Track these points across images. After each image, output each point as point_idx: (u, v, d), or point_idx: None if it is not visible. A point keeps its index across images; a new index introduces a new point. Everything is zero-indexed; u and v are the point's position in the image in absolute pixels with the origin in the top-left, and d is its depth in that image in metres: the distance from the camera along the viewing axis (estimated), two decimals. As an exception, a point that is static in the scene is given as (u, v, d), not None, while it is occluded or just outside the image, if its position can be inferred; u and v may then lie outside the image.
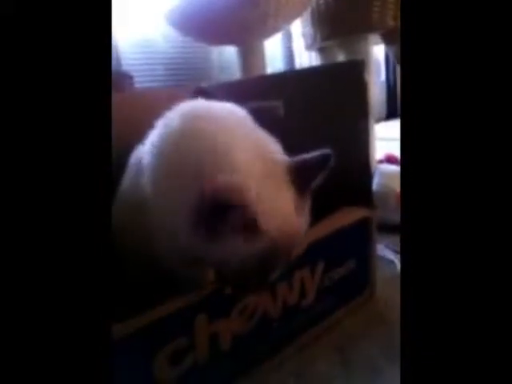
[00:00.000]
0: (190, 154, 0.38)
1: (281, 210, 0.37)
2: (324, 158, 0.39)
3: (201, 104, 0.47)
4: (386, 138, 1.54)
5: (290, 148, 0.44)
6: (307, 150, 0.41)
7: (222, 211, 0.33)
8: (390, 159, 1.18)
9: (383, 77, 3.13)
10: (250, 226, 0.34)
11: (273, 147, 0.43)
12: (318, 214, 0.55)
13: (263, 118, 0.47)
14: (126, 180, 0.53)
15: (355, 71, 0.58)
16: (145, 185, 0.43)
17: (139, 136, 0.50)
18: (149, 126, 0.48)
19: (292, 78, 0.73)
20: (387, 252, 0.76)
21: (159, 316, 0.39)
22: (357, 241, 0.59)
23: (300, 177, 0.40)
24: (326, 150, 0.39)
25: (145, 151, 0.46)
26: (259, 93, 0.76)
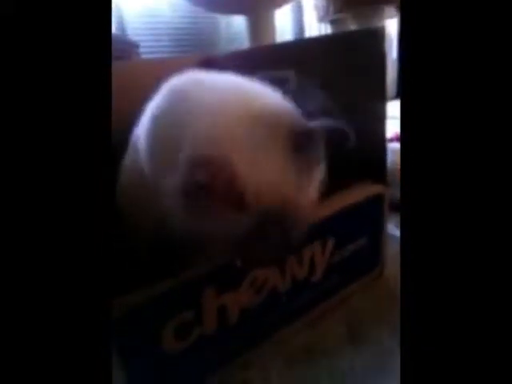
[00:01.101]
0: (173, 129, 0.37)
1: (276, 181, 0.35)
2: (339, 133, 0.37)
3: (190, 77, 0.45)
4: (396, 117, 1.51)
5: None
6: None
7: (202, 186, 0.32)
8: (399, 138, 1.16)
9: (395, 54, 3.05)
10: (235, 198, 0.33)
11: (279, 114, 0.39)
12: (331, 189, 0.53)
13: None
14: (129, 152, 0.51)
15: (373, 41, 0.55)
16: (141, 161, 0.42)
17: (144, 105, 0.48)
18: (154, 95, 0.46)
19: (305, 46, 0.70)
20: (397, 231, 0.75)
21: (165, 289, 0.39)
22: (369, 218, 0.57)
23: (304, 145, 0.37)
24: (343, 126, 0.37)
25: (139, 128, 0.45)
26: (270, 62, 0.73)
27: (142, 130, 0.43)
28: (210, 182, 0.32)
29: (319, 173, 0.41)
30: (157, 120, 0.41)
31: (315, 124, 0.38)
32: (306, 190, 0.38)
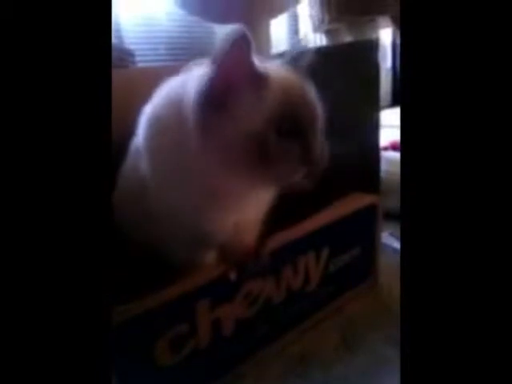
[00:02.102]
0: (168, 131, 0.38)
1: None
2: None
3: (178, 85, 0.44)
4: (390, 126, 1.52)
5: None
6: None
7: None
8: (395, 146, 1.16)
9: (389, 63, 3.08)
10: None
11: None
12: (324, 200, 0.54)
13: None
14: (128, 163, 0.51)
15: (368, 52, 0.56)
16: (144, 166, 0.41)
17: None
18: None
19: (299, 57, 0.70)
20: (391, 240, 0.75)
21: (160, 302, 0.38)
22: (363, 227, 0.58)
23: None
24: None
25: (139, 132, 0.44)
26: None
27: (142, 135, 0.43)
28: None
29: None
30: (156, 123, 0.40)
31: None
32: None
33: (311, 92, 0.39)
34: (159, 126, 0.40)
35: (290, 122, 0.35)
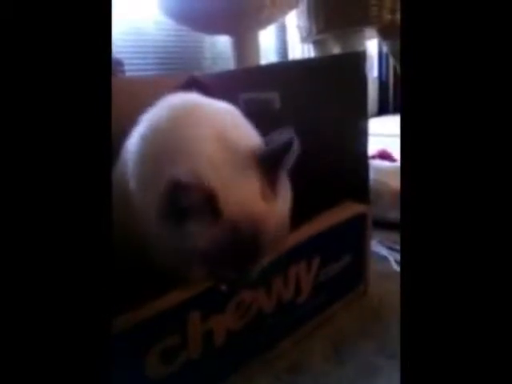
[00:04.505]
0: (157, 147, 0.42)
1: (243, 195, 0.38)
2: (287, 143, 0.39)
3: (176, 100, 0.48)
4: (378, 134, 1.55)
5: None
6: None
7: (181, 199, 0.35)
8: (382, 155, 1.18)
9: (375, 73, 3.13)
10: (210, 211, 0.36)
11: (245, 137, 0.43)
12: (314, 209, 0.54)
13: (258, 110, 0.46)
14: (116, 171, 0.51)
15: (356, 64, 0.57)
16: (128, 177, 0.44)
17: (129, 124, 0.49)
18: (138, 114, 0.47)
19: (289, 69, 0.71)
20: (381, 248, 0.76)
21: (151, 313, 0.38)
22: (352, 236, 0.58)
23: (267, 164, 0.40)
24: (289, 134, 0.39)
25: (129, 143, 0.47)
26: (255, 84, 0.74)
27: (133, 143, 0.46)
28: (189, 205, 0.35)
29: (285, 186, 0.43)
30: (149, 137, 0.44)
31: (271, 145, 0.41)
32: (273, 204, 0.40)
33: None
34: (150, 142, 0.44)
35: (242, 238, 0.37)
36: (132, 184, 0.43)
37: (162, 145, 0.42)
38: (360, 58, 0.56)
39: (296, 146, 0.39)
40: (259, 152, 0.41)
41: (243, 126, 0.47)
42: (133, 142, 0.46)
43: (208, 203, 0.36)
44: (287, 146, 0.39)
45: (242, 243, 0.38)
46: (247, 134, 0.45)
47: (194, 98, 0.50)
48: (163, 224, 0.38)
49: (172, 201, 0.36)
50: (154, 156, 0.42)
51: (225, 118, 0.46)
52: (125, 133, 0.52)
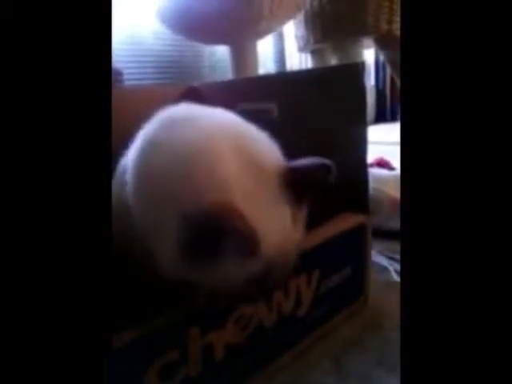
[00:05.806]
0: (168, 171, 0.34)
1: (277, 225, 0.34)
2: (323, 168, 0.36)
3: (181, 110, 0.42)
4: (375, 142, 1.55)
5: (283, 153, 0.41)
6: (301, 155, 0.39)
7: (209, 236, 0.30)
8: (380, 163, 1.18)
9: (373, 81, 3.15)
10: (245, 249, 0.31)
11: (267, 153, 0.38)
12: (314, 221, 0.54)
13: (256, 121, 0.45)
14: (114, 185, 0.49)
15: (355, 75, 0.57)
16: (128, 195, 0.39)
17: (127, 135, 0.48)
18: (137, 125, 0.46)
19: (288, 79, 0.72)
20: (380, 258, 0.75)
21: (150, 329, 0.37)
22: (353, 247, 0.58)
23: (295, 186, 0.36)
24: (326, 161, 0.36)
25: (128, 159, 0.41)
26: (253, 94, 0.74)
27: (131, 162, 0.40)
28: (218, 232, 0.29)
29: (304, 209, 0.41)
30: (149, 156, 0.37)
31: (303, 165, 0.37)
32: (298, 229, 0.38)
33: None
34: (142, 169, 0.38)
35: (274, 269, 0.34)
36: (133, 208, 0.38)
37: (166, 160, 0.35)
38: (359, 68, 0.57)
39: (333, 175, 0.35)
40: (289, 173, 0.36)
41: (260, 140, 0.40)
42: (132, 154, 0.40)
43: (247, 240, 0.30)
44: (323, 170, 0.35)
45: (274, 274, 0.35)
46: (266, 149, 0.38)
47: (197, 108, 0.44)
48: (181, 257, 0.32)
49: (198, 235, 0.30)
50: (156, 173, 0.35)
51: (239, 129, 0.40)
52: (123, 142, 0.51)
